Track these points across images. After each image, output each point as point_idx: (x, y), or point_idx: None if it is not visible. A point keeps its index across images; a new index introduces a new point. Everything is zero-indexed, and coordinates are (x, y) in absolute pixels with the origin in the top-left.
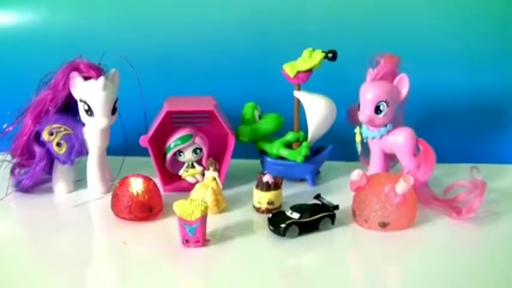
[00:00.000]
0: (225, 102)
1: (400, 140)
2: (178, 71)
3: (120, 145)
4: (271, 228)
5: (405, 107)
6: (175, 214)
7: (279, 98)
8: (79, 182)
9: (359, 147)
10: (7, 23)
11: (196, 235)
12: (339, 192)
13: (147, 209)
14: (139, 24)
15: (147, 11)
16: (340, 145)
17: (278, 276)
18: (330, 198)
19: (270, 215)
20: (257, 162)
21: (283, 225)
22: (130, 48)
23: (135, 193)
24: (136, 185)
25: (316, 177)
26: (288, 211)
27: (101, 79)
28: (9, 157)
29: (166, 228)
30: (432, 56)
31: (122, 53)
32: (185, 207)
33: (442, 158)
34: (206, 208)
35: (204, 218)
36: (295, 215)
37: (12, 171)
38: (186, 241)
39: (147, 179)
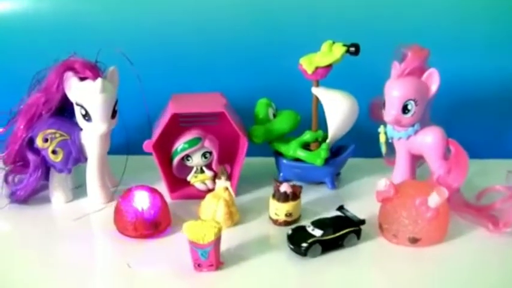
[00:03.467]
0: (232, 98)
1: (429, 141)
2: (181, 63)
3: (122, 144)
4: (291, 247)
5: (432, 103)
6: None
7: (293, 92)
8: (78, 189)
9: (384, 148)
10: None
11: (210, 259)
12: (361, 197)
13: (153, 226)
14: (138, 15)
15: (146, 2)
16: (359, 140)
17: None
18: (352, 205)
19: (290, 232)
20: (270, 160)
21: (305, 245)
22: (128, 40)
23: (139, 209)
24: (141, 199)
25: (335, 178)
26: (309, 227)
27: (99, 81)
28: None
29: (175, 245)
30: (453, 41)
31: (118, 45)
32: (196, 229)
33: (470, 153)
34: (220, 230)
35: (218, 241)
36: (317, 232)
37: (5, 179)
38: (199, 265)
39: (152, 192)
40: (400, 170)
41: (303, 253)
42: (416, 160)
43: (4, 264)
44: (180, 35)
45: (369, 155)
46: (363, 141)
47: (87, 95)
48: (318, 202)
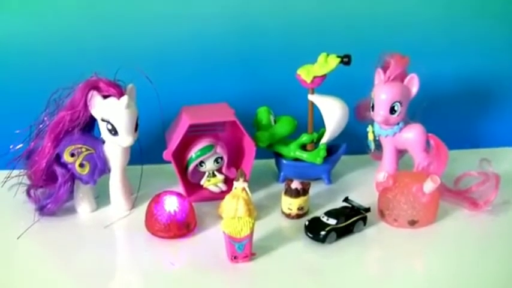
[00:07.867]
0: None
1: (412, 136)
2: (181, 76)
3: (136, 154)
4: (310, 235)
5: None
6: (224, 232)
7: (286, 100)
8: (98, 198)
9: (372, 145)
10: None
11: (245, 251)
12: (355, 189)
13: (185, 226)
14: (134, 33)
15: (141, 15)
16: (345, 139)
17: (325, 283)
18: (350, 197)
19: (307, 223)
20: (267, 161)
21: (323, 233)
22: (130, 56)
23: (172, 212)
24: (171, 203)
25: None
26: (323, 217)
27: (125, 98)
28: (18, 177)
29: (205, 242)
30: (418, 42)
31: (118, 62)
32: (234, 225)
33: None
34: (254, 224)
35: (252, 234)
36: (332, 221)
37: (28, 193)
38: (235, 257)
39: (180, 196)
40: (387, 163)
41: (322, 240)
42: (400, 154)
43: (49, 275)
44: (180, 50)
45: (353, 151)
46: (347, 139)
47: (113, 111)
48: (319, 196)
